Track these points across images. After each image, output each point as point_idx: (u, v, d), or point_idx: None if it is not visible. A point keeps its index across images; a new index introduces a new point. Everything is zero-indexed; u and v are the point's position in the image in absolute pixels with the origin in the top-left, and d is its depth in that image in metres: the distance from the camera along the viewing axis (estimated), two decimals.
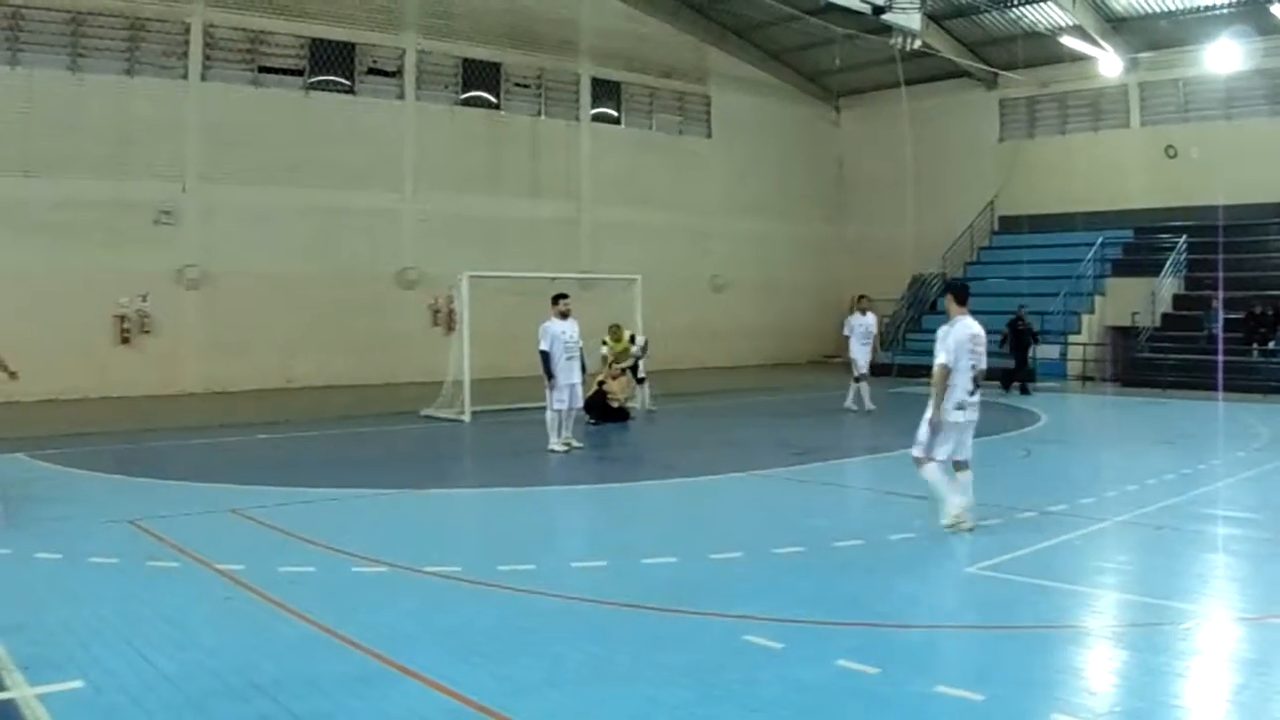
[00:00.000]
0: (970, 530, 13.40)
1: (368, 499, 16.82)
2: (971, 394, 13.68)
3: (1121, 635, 9.96)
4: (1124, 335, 38.55)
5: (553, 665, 8.74)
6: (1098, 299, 39.97)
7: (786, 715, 7.81)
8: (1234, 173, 39.00)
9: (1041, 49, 43.34)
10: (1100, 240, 42.07)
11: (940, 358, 13.71)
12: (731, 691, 8.18)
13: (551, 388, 21.48)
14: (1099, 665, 9.18)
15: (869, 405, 28.56)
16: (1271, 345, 34.83)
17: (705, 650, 9.16)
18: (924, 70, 45.02)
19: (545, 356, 21.36)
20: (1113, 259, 41.85)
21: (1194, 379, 31.85)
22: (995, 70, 45.93)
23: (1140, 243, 41.90)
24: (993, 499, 15.72)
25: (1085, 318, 39.32)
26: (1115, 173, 43.93)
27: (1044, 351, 37.60)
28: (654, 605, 10.52)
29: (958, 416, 13.61)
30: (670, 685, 8.30)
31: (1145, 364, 36.14)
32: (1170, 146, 42.67)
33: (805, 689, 8.26)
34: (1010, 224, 47.43)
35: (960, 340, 13.68)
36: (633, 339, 28.07)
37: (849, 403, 28.95)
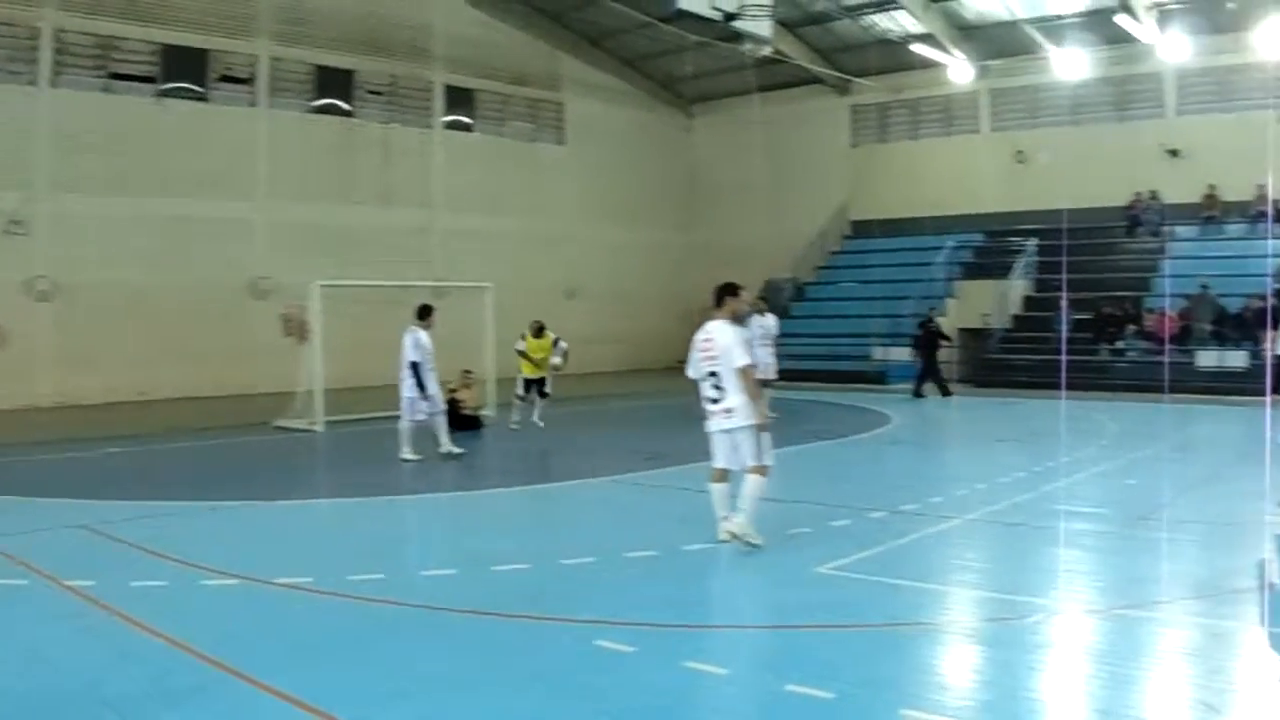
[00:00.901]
0: (751, 546, 12.80)
1: (220, 511, 16.48)
2: (714, 401, 13.10)
3: (972, 631, 10.11)
4: (976, 337, 39.08)
5: (403, 674, 8.69)
6: (949, 301, 40.49)
7: (636, 718, 7.85)
8: (1081, 177, 39.84)
9: (893, 56, 44.00)
10: (951, 243, 42.79)
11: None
12: (581, 696, 8.18)
13: (424, 398, 21.32)
14: (949, 661, 9.32)
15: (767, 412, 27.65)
16: (1120, 344, 35.64)
17: (555, 655, 9.15)
18: (777, 77, 45.41)
19: (416, 367, 21.21)
20: (963, 262, 42.62)
21: (1045, 378, 32.28)
22: (848, 77, 46.47)
23: (991, 246, 42.72)
24: (842, 499, 15.95)
25: (937, 320, 39.61)
26: (966, 177, 44.72)
27: (896, 354, 38.14)
28: (504, 612, 10.47)
29: (707, 426, 13.35)
30: (520, 691, 8.30)
31: (997, 364, 36.75)
32: (1020, 151, 43.41)
33: (655, 691, 8.28)
34: (862, 228, 48.04)
35: (692, 349, 13.39)
36: (556, 342, 27.17)
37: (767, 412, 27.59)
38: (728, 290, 13.50)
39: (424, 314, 21.68)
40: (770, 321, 28.28)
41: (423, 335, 21.33)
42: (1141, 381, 32.27)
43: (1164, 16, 37.99)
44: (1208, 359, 33.61)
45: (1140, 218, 40.57)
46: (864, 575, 11.86)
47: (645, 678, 8.62)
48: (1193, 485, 18.13)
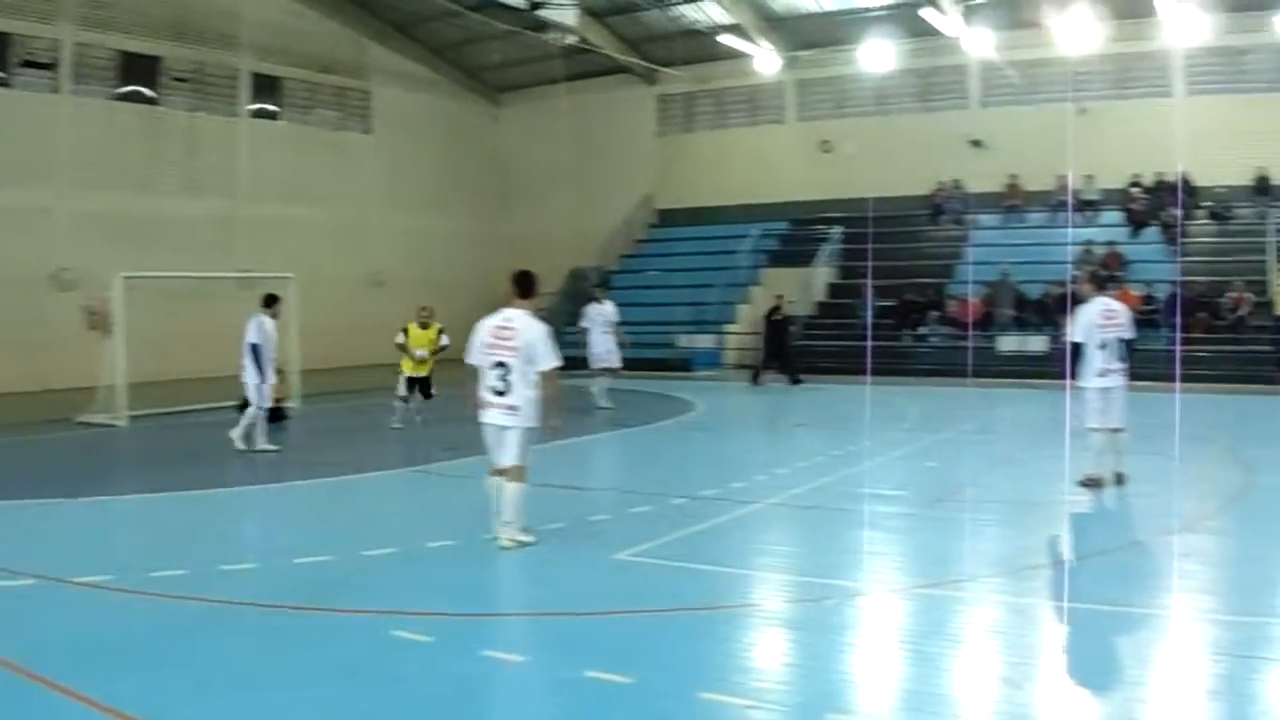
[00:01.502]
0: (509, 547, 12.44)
1: (17, 510, 15.98)
2: (498, 394, 12.32)
3: (774, 613, 10.26)
4: None
5: (201, 670, 8.58)
6: (753, 289, 40.74)
7: (432, 708, 7.87)
8: (886, 166, 40.55)
9: (701, 46, 44.27)
10: (756, 231, 43.28)
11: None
12: (378, 687, 8.17)
13: (263, 382, 20.97)
14: (751, 644, 9.45)
15: (603, 402, 27.20)
16: (923, 330, 36.32)
17: (353, 647, 9.15)
18: (585, 66, 45.38)
19: (256, 350, 20.83)
20: (769, 250, 43.07)
21: (849, 364, 32.62)
22: (655, 67, 46.61)
23: (796, 234, 43.31)
24: (643, 486, 16.10)
25: (741, 308, 40.21)
26: (772, 166, 45.27)
27: (701, 341, 38.44)
28: (303, 605, 10.41)
29: (482, 417, 12.66)
30: (318, 684, 8.28)
31: (801, 351, 36.99)
32: (826, 141, 43.96)
33: (451, 681, 8.33)
34: (668, 217, 48.42)
35: (475, 333, 12.76)
36: (441, 332, 24.68)
37: (603, 401, 27.05)
38: (534, 280, 12.87)
39: (269, 302, 21.54)
40: (609, 308, 28.36)
41: (268, 322, 21.11)
42: (944, 366, 33.07)
43: (969, 11, 38.75)
44: (1009, 344, 34.44)
45: (944, 206, 41.45)
46: (664, 561, 11.97)
47: (442, 667, 8.65)
48: (992, 466, 18.65)
